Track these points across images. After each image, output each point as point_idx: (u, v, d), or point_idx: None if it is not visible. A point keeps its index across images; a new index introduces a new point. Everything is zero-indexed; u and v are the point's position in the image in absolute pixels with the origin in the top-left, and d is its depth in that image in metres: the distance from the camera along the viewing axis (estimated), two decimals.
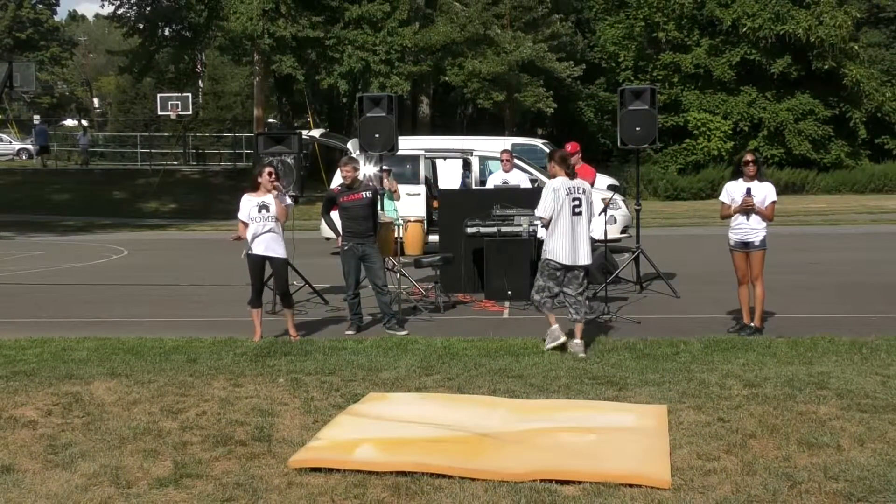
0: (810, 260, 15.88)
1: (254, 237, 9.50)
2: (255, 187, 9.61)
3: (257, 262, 9.58)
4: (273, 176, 9.54)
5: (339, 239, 10.25)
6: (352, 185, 10.04)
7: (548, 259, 8.63)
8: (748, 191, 9.14)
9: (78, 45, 72.13)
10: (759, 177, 9.20)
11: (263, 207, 9.46)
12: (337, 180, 18.16)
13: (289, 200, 9.84)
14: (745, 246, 9.26)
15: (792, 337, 8.86)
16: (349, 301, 10.15)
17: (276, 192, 9.50)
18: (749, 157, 9.34)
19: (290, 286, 11.76)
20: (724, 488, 4.98)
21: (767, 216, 9.18)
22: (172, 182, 36.63)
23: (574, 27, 37.85)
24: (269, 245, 9.50)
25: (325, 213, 10.46)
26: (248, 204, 9.53)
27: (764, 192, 9.17)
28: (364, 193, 10.02)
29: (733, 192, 9.29)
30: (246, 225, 9.56)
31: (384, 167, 12.44)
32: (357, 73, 31.96)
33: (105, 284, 14.60)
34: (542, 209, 8.62)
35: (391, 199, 12.24)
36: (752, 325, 9.26)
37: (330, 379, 7.50)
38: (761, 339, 8.88)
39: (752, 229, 9.19)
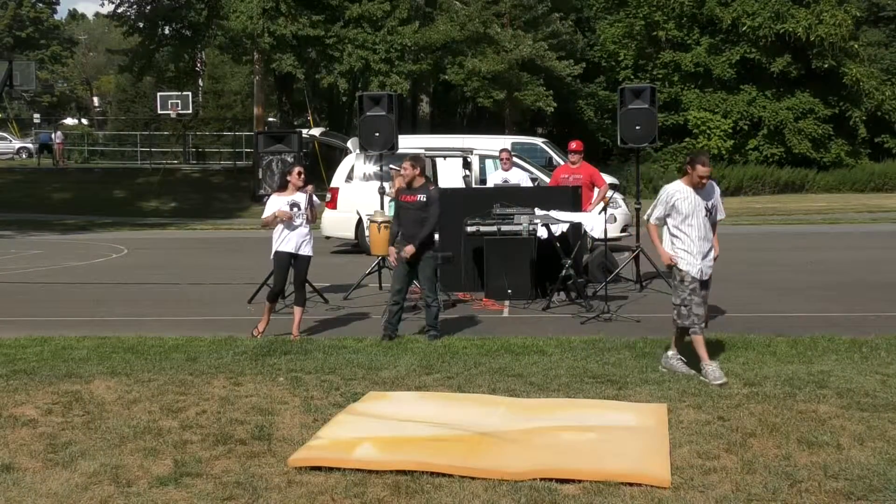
0: (810, 259, 15.87)
1: (284, 235, 9.42)
2: (283, 187, 9.54)
3: (284, 259, 9.46)
4: (303, 176, 9.44)
5: (392, 256, 9.47)
6: (411, 185, 9.33)
7: None
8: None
9: (78, 43, 72.05)
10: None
11: (295, 206, 9.37)
12: (339, 179, 18.31)
13: (317, 200, 9.63)
14: None
15: (792, 336, 8.86)
16: (389, 307, 9.36)
17: (307, 191, 9.39)
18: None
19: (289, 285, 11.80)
20: (724, 487, 4.98)
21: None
22: (172, 181, 36.64)
23: (574, 26, 37.85)
24: (298, 243, 9.41)
25: (397, 218, 9.54)
26: (278, 203, 9.43)
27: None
28: (419, 196, 9.25)
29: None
30: (271, 224, 9.46)
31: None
32: (357, 72, 31.97)
33: (105, 283, 14.58)
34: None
35: None
36: None
37: (330, 378, 7.49)
38: (762, 337, 8.87)
39: None
